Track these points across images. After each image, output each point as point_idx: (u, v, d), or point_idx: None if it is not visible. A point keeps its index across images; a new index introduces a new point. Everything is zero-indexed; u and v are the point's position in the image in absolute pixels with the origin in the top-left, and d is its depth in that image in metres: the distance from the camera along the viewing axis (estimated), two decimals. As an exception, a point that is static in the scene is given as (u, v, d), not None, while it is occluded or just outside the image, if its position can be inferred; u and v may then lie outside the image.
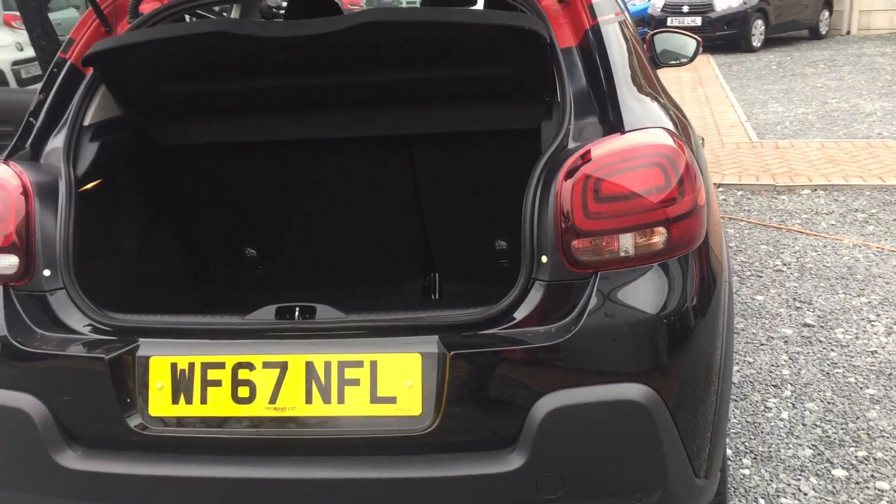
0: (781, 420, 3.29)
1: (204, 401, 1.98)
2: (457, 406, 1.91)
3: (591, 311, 1.90)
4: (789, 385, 3.54)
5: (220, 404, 1.98)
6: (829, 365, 3.69)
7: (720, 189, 6.45)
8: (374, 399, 1.94)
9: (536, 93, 2.32)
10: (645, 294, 1.94)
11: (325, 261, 2.92)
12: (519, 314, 1.94)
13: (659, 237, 1.95)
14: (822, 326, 4.05)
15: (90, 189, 2.34)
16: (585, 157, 1.97)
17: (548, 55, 2.19)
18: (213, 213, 2.87)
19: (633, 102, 2.17)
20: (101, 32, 2.48)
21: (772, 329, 4.07)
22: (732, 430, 3.22)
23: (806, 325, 4.09)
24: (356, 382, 1.94)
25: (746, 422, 3.29)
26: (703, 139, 3.13)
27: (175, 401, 1.99)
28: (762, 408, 3.38)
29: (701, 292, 2.02)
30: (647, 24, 15.82)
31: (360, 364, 1.94)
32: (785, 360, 3.75)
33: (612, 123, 2.09)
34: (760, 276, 4.75)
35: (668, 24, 15.13)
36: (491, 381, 1.92)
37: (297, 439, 1.96)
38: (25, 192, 2.11)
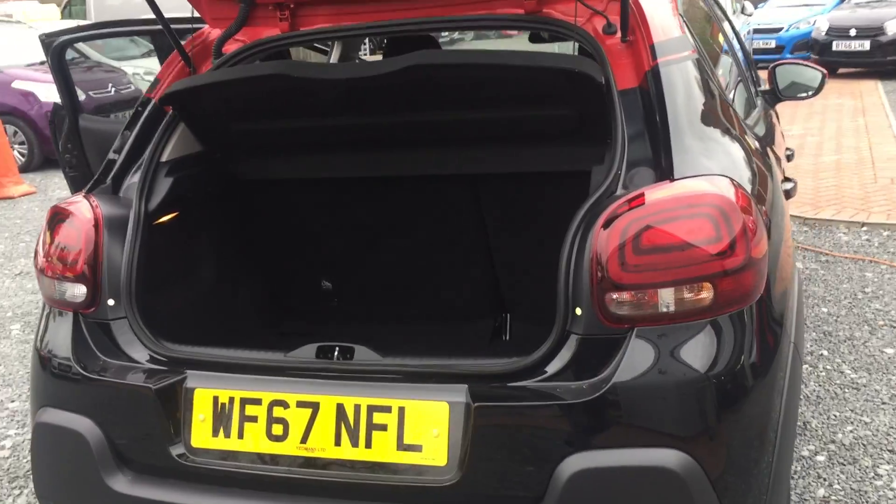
0: (893, 490, 3.00)
1: (241, 436, 2.02)
2: (482, 459, 1.85)
3: (624, 368, 1.80)
4: (907, 451, 3.23)
5: (255, 440, 2.01)
6: (957, 431, 3.35)
7: (864, 228, 6.01)
8: (401, 446, 1.91)
9: (597, 135, 2.24)
10: (686, 354, 1.81)
11: (397, 297, 2.92)
12: (551, 368, 1.86)
13: (705, 293, 1.82)
14: (957, 387, 3.68)
15: (167, 222, 2.45)
16: (627, 205, 1.87)
17: (602, 97, 2.10)
18: (290, 247, 2.94)
19: (693, 148, 2.05)
20: (185, 72, 2.60)
21: (897, 386, 3.74)
22: (833, 498, 2.97)
23: (938, 384, 3.73)
24: (384, 428, 1.92)
25: (851, 489, 3.02)
26: (794, 183, 2.92)
27: (215, 433, 2.04)
28: (871, 474, 3.10)
29: (754, 354, 1.87)
30: (811, 48, 15.06)
31: (388, 409, 1.92)
32: (907, 423, 3.43)
33: (665, 170, 1.98)
34: (895, 327, 4.38)
35: (834, 48, 14.35)
36: (517, 436, 1.86)
37: (324, 481, 1.96)
38: (96, 225, 2.23)
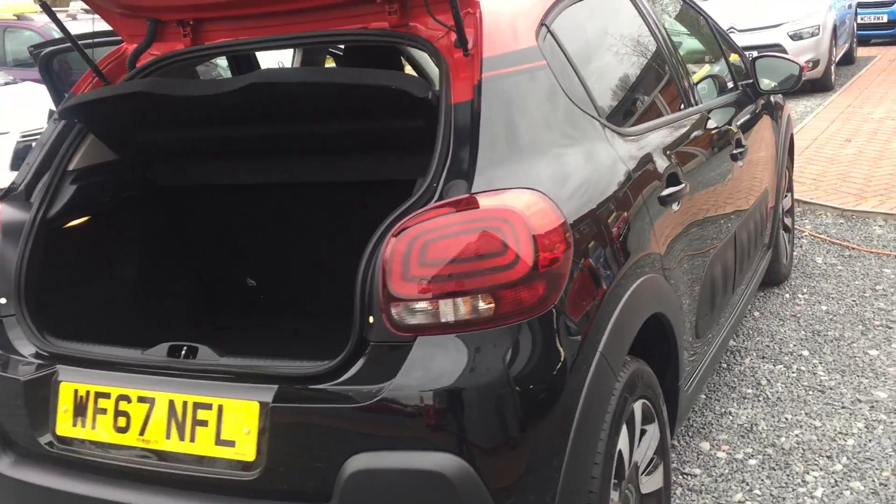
0: (812, 499, 2.93)
1: (94, 426, 2.21)
2: (281, 456, 1.98)
3: (405, 375, 1.89)
4: (845, 457, 3.13)
5: (105, 431, 2.20)
6: (909, 439, 3.22)
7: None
8: (218, 441, 2.05)
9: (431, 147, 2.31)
10: (466, 362, 1.88)
11: (307, 292, 3.06)
12: (349, 372, 1.96)
13: (486, 304, 1.88)
14: (930, 392, 3.52)
15: (77, 226, 2.67)
16: (417, 217, 1.94)
17: (432, 110, 2.17)
18: (214, 247, 3.12)
19: (507, 160, 2.09)
20: (100, 86, 2.80)
21: (865, 390, 3.60)
22: (749, 503, 2.93)
23: (909, 389, 3.58)
24: (205, 424, 2.07)
25: (771, 494, 2.97)
26: (680, 186, 2.84)
27: (74, 424, 2.24)
28: (798, 481, 3.03)
29: (539, 365, 1.91)
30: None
31: (209, 407, 2.07)
32: (858, 429, 3.32)
33: (472, 184, 2.03)
34: (891, 328, 4.20)
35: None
36: (312, 436, 1.97)
37: (159, 471, 2.13)
38: None
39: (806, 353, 4.01)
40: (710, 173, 3.09)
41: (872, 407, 3.47)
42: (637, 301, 2.26)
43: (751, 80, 3.99)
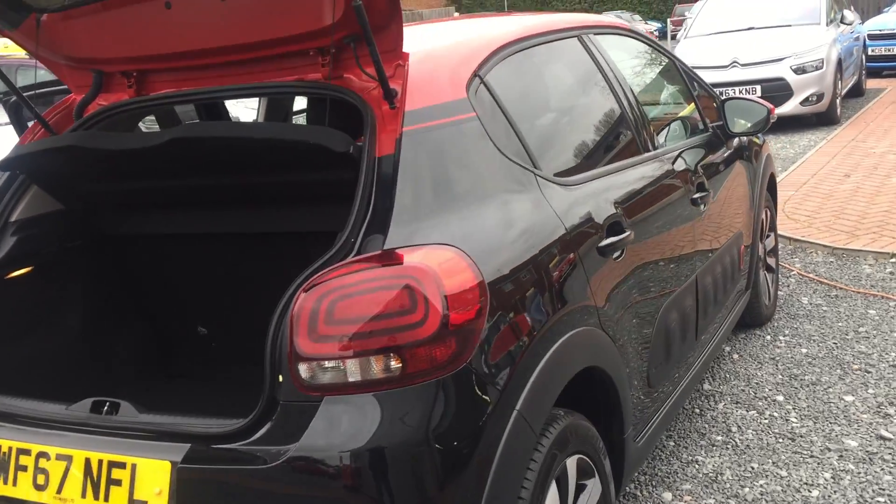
0: (770, 553, 2.86)
1: (15, 483, 2.19)
2: None
3: (308, 436, 1.85)
4: (808, 511, 3.05)
5: (25, 488, 2.17)
6: (875, 492, 3.13)
7: (893, 260, 5.64)
8: (132, 501, 2.02)
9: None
10: (371, 423, 1.84)
11: (253, 341, 3.05)
12: (259, 432, 1.93)
13: (394, 363, 1.85)
14: (903, 440, 3.44)
15: (18, 277, 2.67)
16: (328, 274, 1.92)
17: (347, 165, 2.16)
18: (164, 295, 3.11)
19: (426, 215, 2.07)
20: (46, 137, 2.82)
21: (836, 438, 3.52)
22: (705, 558, 2.85)
23: (881, 437, 3.49)
24: (119, 483, 2.04)
25: (728, 549, 2.89)
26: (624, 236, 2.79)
27: None
28: (757, 535, 2.96)
29: (446, 424, 1.88)
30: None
31: (123, 466, 2.04)
32: (824, 479, 3.23)
33: (388, 239, 2.01)
34: (869, 372, 4.11)
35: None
36: (221, 497, 1.94)
37: None
38: None
39: (781, 398, 3.93)
40: (662, 219, 3.05)
41: (841, 456, 3.38)
42: (565, 355, 2.22)
43: (721, 123, 3.96)
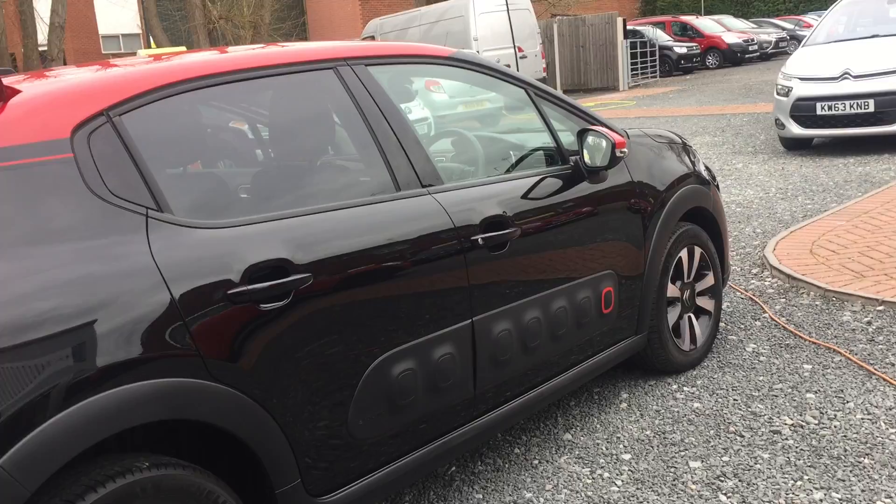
0: None
1: None
2: None
3: None
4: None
5: None
6: (627, 573, 2.84)
7: (880, 308, 5.00)
8: None
9: None
10: None
11: None
12: None
13: None
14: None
15: None
16: None
17: None
18: None
19: None
20: None
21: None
22: None
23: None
24: None
25: None
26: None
27: None
28: None
29: None
30: None
31: None
32: (587, 554, 2.97)
33: None
34: (742, 437, 3.70)
35: None
36: None
37: None
38: None
39: (628, 456, 3.63)
40: (366, 262, 2.78)
41: (626, 530, 3.09)
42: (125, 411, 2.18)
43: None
